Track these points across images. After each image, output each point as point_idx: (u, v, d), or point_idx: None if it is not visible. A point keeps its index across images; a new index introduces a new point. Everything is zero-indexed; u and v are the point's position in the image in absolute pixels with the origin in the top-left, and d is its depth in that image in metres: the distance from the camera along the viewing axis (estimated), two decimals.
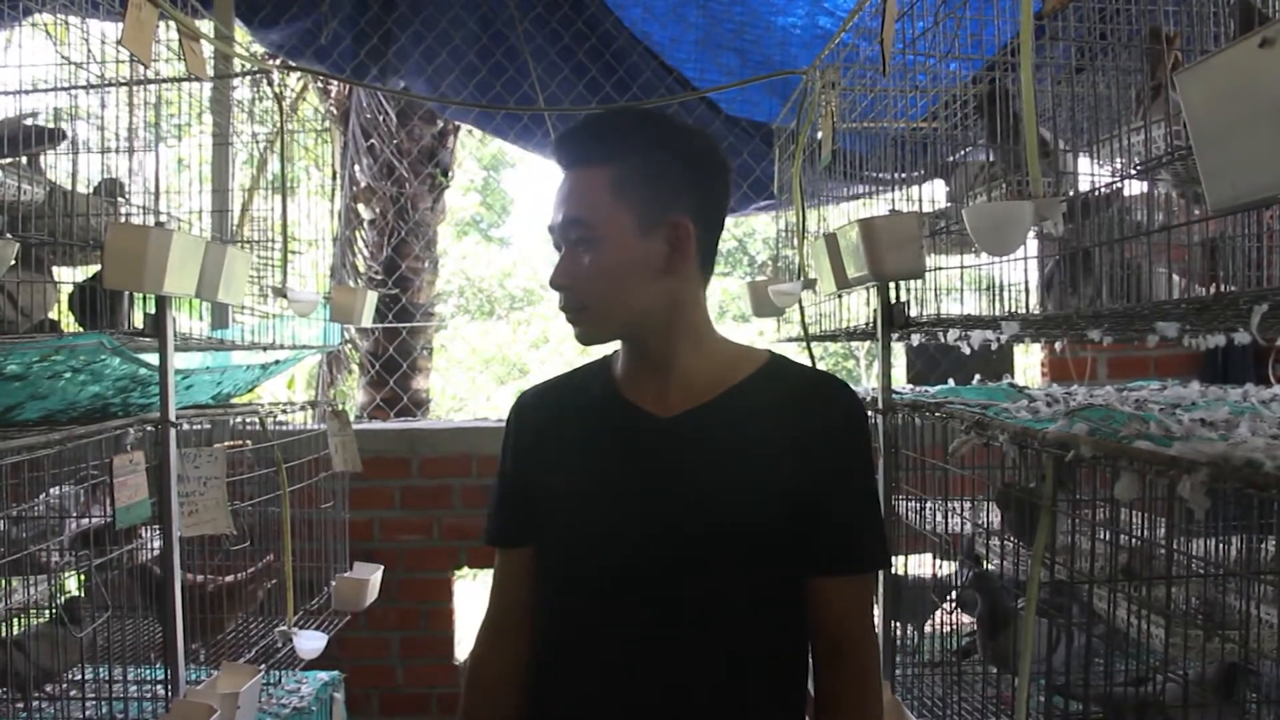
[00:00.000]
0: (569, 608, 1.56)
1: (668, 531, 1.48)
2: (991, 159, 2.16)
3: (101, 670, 2.32)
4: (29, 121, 2.26)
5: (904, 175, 2.51)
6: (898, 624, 2.27)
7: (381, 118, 5.43)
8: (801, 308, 2.88)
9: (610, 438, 1.57)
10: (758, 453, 1.50)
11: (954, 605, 2.45)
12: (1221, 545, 2.01)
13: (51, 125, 2.31)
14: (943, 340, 2.20)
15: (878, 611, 2.26)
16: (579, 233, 1.48)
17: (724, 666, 1.48)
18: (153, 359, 2.20)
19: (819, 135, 2.72)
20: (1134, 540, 1.80)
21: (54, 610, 2.27)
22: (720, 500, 1.48)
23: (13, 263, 1.91)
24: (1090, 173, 1.82)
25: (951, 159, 2.40)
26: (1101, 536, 1.73)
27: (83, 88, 2.44)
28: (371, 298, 3.38)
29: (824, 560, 1.51)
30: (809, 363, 2.85)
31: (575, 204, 1.49)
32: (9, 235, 2.04)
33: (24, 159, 2.21)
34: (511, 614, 1.65)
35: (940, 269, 2.32)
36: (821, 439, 1.52)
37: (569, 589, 1.56)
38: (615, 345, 1.62)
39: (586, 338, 1.53)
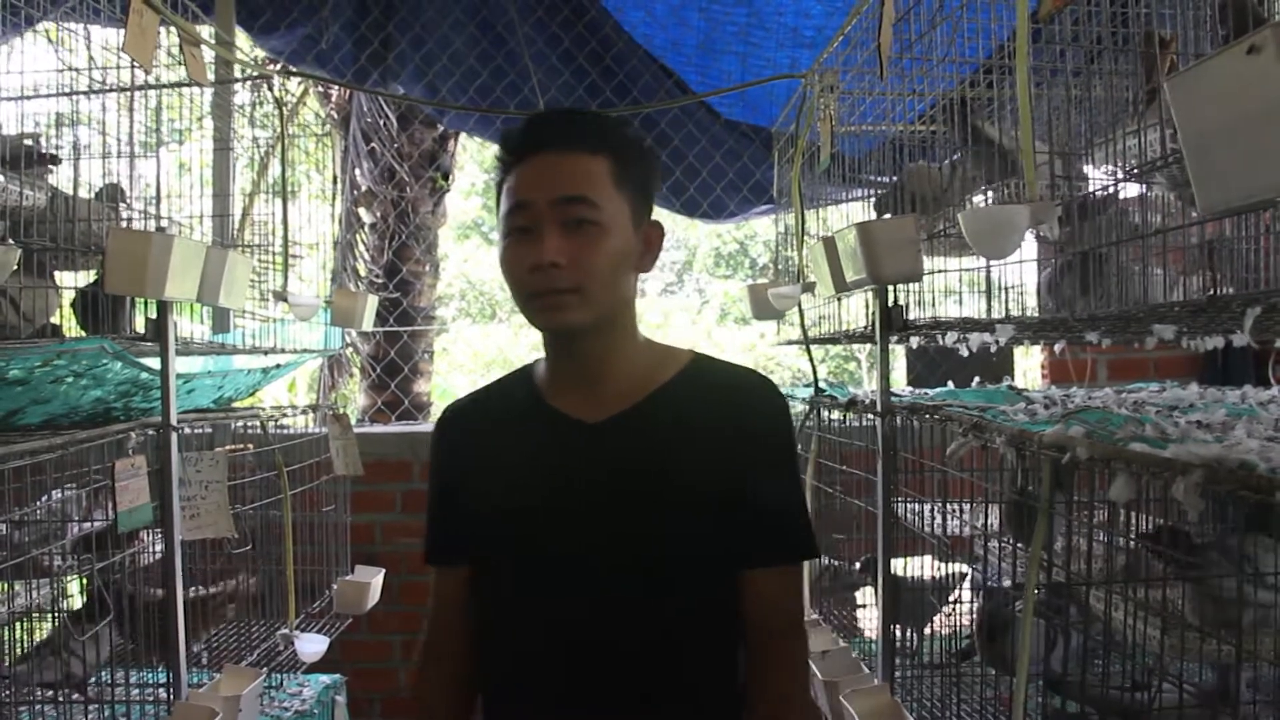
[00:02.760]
0: (511, 614, 1.57)
1: (603, 535, 1.50)
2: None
3: (103, 673, 2.32)
4: (28, 143, 2.26)
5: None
6: (896, 626, 2.27)
7: (382, 122, 5.44)
8: (801, 310, 2.88)
9: (539, 446, 1.57)
10: (686, 452, 1.52)
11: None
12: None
13: (46, 151, 2.31)
14: (942, 343, 2.21)
15: (877, 613, 2.27)
16: (584, 213, 1.47)
17: (663, 660, 1.51)
18: (154, 363, 2.21)
19: (819, 139, 2.73)
20: (1131, 542, 1.80)
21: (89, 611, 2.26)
22: (652, 501, 1.50)
23: (15, 268, 1.92)
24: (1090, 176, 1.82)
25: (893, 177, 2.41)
26: (1099, 538, 1.74)
27: (84, 93, 2.44)
28: (372, 301, 3.38)
29: (755, 552, 1.54)
30: (810, 366, 2.87)
31: (577, 183, 1.48)
32: (11, 241, 2.05)
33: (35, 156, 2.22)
34: (449, 632, 1.67)
35: (939, 271, 2.33)
36: (748, 434, 1.54)
37: (510, 596, 1.57)
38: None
39: (568, 323, 1.49)
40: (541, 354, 1.65)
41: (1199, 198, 1.04)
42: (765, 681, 1.55)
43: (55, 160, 2.31)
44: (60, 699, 2.25)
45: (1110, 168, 1.71)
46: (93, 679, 2.28)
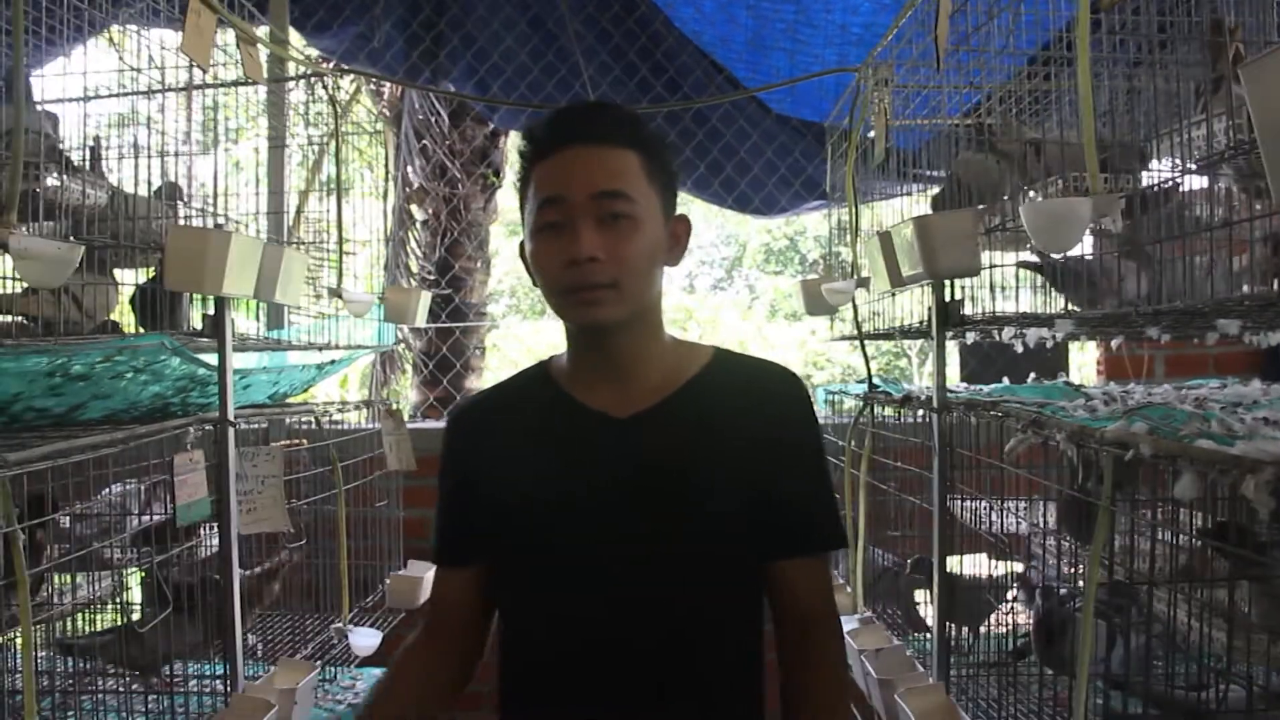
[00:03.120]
0: (535, 608, 1.56)
1: (631, 530, 1.49)
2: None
3: (163, 666, 2.36)
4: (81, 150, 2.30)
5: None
6: (952, 624, 2.25)
7: (434, 119, 5.47)
8: (855, 306, 2.86)
9: (565, 441, 1.57)
10: (715, 446, 1.52)
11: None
12: None
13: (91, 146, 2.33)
14: (998, 338, 2.18)
15: (932, 611, 2.25)
16: (620, 207, 1.46)
17: (687, 656, 1.50)
18: (211, 359, 2.23)
19: (871, 133, 2.70)
20: (1195, 541, 1.77)
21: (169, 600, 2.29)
22: (681, 495, 1.50)
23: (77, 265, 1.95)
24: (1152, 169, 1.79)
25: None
26: (1161, 537, 1.71)
27: (143, 93, 2.48)
28: (425, 297, 3.40)
29: (788, 543, 1.55)
30: (863, 361, 2.85)
31: (612, 177, 1.47)
32: (73, 238, 2.08)
33: (87, 165, 2.25)
34: (450, 628, 1.65)
35: (997, 266, 2.30)
36: (776, 427, 1.55)
37: (535, 590, 1.55)
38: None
39: (605, 318, 1.48)
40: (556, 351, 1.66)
41: (1274, 187, 1.02)
42: (807, 688, 1.55)
43: (69, 163, 2.32)
44: (122, 689, 2.29)
45: (1174, 160, 1.68)
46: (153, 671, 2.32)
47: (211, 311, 2.23)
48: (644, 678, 1.50)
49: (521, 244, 1.58)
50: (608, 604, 1.49)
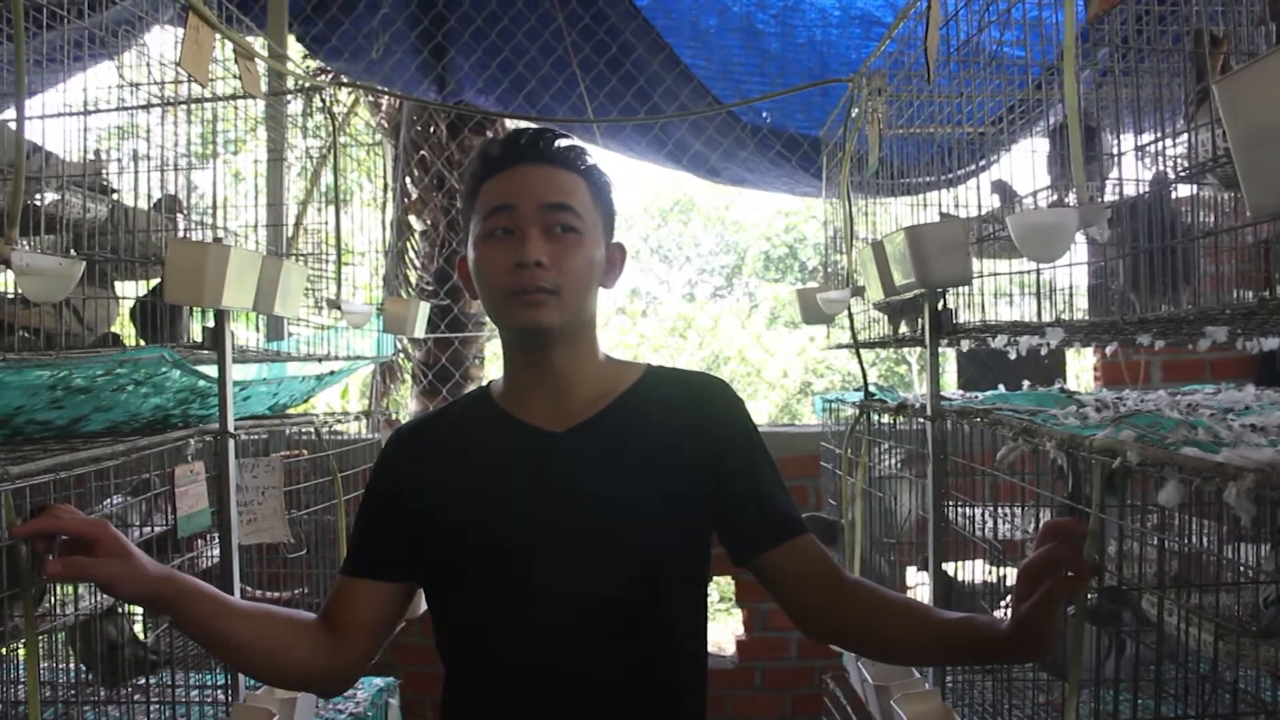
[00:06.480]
0: (486, 625, 1.55)
1: (576, 542, 1.51)
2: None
3: (164, 675, 2.37)
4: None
5: (951, 175, 2.52)
6: None
7: (432, 130, 5.49)
8: (850, 314, 2.88)
9: (504, 456, 1.58)
10: (652, 454, 1.56)
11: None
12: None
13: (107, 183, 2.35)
14: (993, 345, 2.19)
15: None
16: (568, 220, 1.52)
17: (638, 660, 1.53)
18: (211, 371, 2.25)
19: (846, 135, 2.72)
20: (1185, 547, 1.78)
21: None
22: (624, 504, 1.52)
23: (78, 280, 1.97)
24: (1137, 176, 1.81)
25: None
26: (1152, 542, 1.73)
27: (142, 108, 2.50)
28: (424, 308, 3.42)
29: (767, 535, 1.57)
30: (860, 369, 2.87)
31: (563, 193, 1.53)
32: (74, 253, 2.10)
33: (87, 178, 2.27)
34: (339, 629, 1.58)
35: (990, 275, 2.32)
36: (721, 429, 1.60)
37: (486, 607, 1.55)
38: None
39: (544, 321, 1.51)
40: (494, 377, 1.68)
41: (1249, 198, 1.04)
42: (856, 593, 1.57)
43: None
44: (122, 699, 2.30)
45: (1161, 168, 1.70)
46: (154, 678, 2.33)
47: (211, 324, 2.25)
48: (593, 684, 1.51)
49: (460, 259, 1.66)
50: (554, 614, 1.51)
